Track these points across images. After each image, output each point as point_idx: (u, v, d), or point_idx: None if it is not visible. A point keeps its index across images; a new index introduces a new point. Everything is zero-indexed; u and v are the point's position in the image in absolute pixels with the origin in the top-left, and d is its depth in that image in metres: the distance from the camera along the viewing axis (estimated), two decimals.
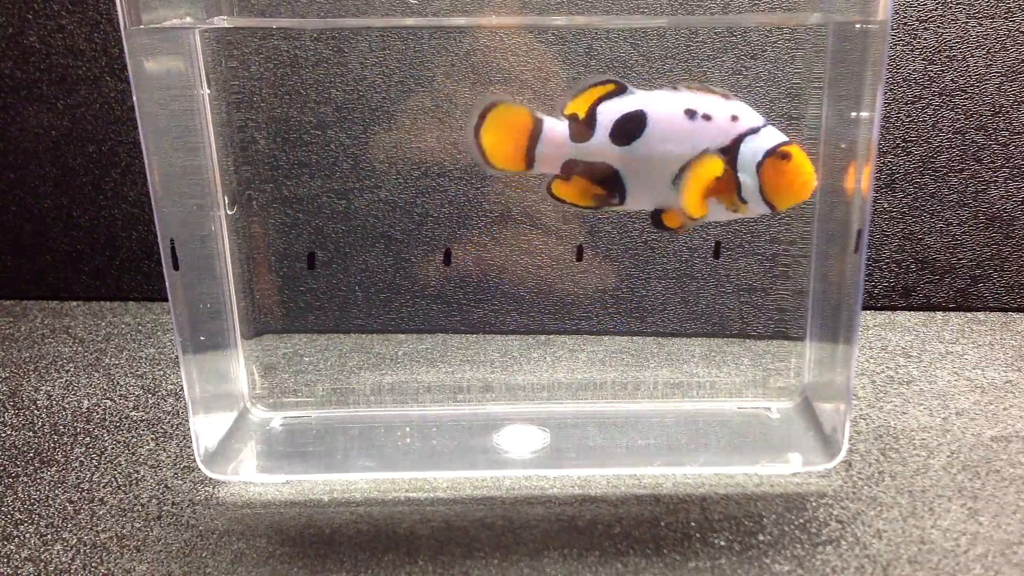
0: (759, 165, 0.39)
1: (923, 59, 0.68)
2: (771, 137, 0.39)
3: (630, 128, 0.40)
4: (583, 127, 0.41)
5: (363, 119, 0.51)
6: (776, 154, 0.39)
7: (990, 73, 0.68)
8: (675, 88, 0.41)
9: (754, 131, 0.39)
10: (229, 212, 0.48)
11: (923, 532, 0.41)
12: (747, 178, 0.39)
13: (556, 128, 0.42)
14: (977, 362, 0.61)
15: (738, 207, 0.40)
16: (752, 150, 0.39)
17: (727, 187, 0.40)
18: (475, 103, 0.43)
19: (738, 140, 0.39)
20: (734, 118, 0.39)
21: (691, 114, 0.40)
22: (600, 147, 0.41)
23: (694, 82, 0.41)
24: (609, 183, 0.41)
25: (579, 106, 0.41)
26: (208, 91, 0.46)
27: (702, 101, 0.40)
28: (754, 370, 0.53)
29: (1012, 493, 0.44)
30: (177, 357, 0.53)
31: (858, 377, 0.58)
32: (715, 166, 0.39)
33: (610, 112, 0.41)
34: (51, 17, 0.71)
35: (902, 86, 0.68)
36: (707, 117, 0.40)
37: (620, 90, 0.41)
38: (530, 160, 0.42)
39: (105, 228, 0.75)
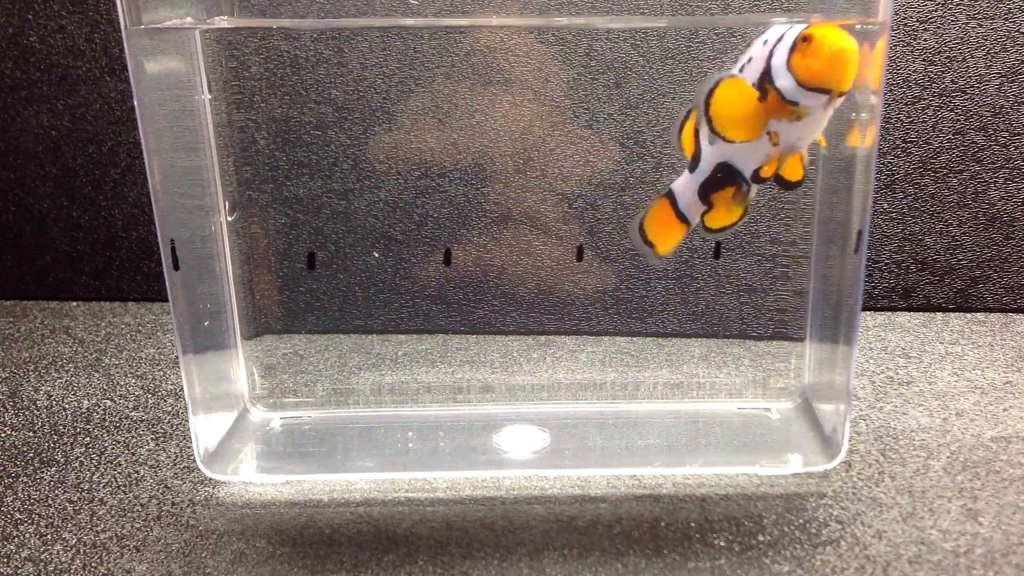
0: (788, 64, 0.37)
1: (923, 60, 0.68)
2: (792, 34, 0.38)
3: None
4: (695, 155, 0.43)
5: (363, 119, 0.51)
6: (798, 43, 0.37)
7: (990, 74, 0.68)
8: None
9: (779, 40, 0.38)
10: (229, 218, 0.49)
11: (923, 533, 0.41)
12: (784, 82, 0.38)
13: (682, 183, 0.44)
14: (977, 363, 0.61)
15: (797, 112, 0.38)
16: (779, 56, 0.38)
17: (776, 103, 0.38)
18: (631, 228, 0.46)
19: (769, 57, 0.38)
20: (765, 43, 0.39)
21: (741, 69, 0.40)
22: (707, 156, 0.42)
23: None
24: (730, 177, 0.42)
25: (688, 141, 0.43)
26: (209, 96, 0.46)
27: (747, 53, 0.40)
28: (754, 371, 0.53)
29: (1012, 493, 0.44)
30: (177, 357, 0.53)
31: (858, 378, 0.58)
32: (731, 85, 0.39)
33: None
34: (51, 17, 0.71)
35: (902, 86, 0.68)
36: (749, 60, 0.40)
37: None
38: (684, 219, 0.45)
39: (105, 228, 0.75)
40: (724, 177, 0.42)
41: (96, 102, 0.73)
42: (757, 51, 0.39)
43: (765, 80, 0.38)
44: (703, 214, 0.44)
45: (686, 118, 0.43)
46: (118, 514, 0.43)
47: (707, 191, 0.43)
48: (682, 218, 0.44)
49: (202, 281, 0.48)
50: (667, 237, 0.46)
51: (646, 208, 0.46)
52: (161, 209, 0.44)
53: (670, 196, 0.44)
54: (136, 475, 0.47)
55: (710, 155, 0.42)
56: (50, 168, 0.74)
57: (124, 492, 0.45)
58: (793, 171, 0.42)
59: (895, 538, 0.41)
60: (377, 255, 0.51)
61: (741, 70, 0.40)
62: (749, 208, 0.43)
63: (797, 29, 0.38)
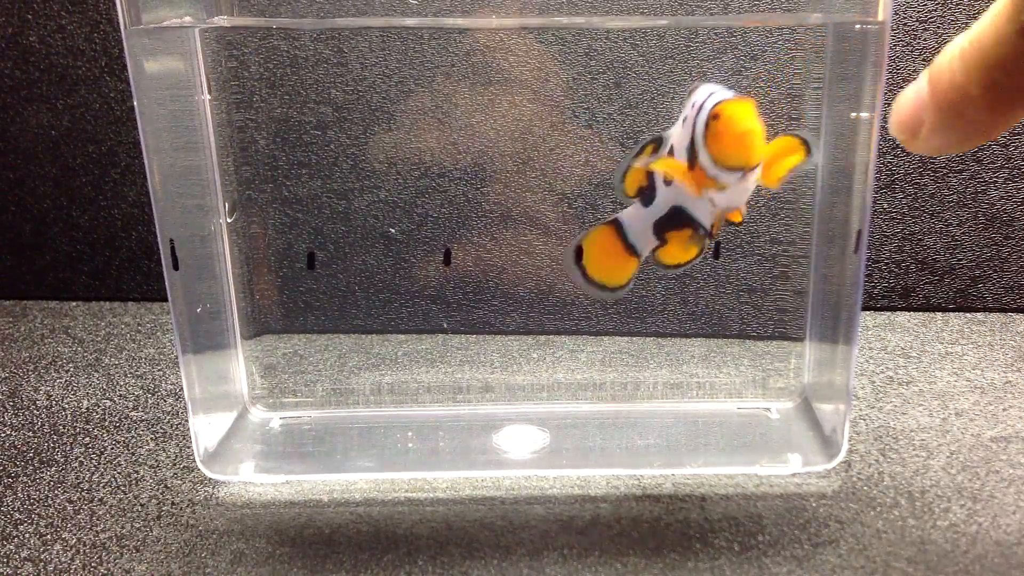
0: (704, 138, 0.37)
1: (923, 59, 0.68)
2: (712, 102, 0.37)
3: None
4: (648, 191, 0.42)
5: (363, 119, 0.51)
6: (709, 120, 0.37)
7: None
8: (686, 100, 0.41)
9: (701, 108, 0.37)
10: (228, 220, 0.49)
11: (923, 532, 0.41)
12: (703, 158, 0.37)
13: (632, 214, 0.43)
14: (977, 363, 0.61)
15: (717, 184, 0.38)
16: (699, 128, 0.37)
17: (701, 175, 0.38)
18: (565, 252, 0.44)
19: (694, 126, 0.38)
20: (694, 106, 0.38)
21: (684, 120, 0.40)
22: (662, 196, 0.41)
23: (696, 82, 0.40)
24: (684, 220, 0.41)
25: (639, 175, 0.42)
26: (209, 96, 0.46)
27: (685, 107, 0.40)
28: (754, 370, 0.53)
29: (1012, 493, 0.44)
30: (177, 357, 0.53)
31: (858, 378, 0.58)
32: (667, 164, 0.39)
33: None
34: (51, 17, 0.71)
35: (902, 86, 0.68)
36: (684, 120, 0.39)
37: (658, 142, 0.41)
38: (633, 251, 0.43)
39: (105, 228, 0.75)
40: (678, 219, 0.41)
41: (96, 102, 0.73)
42: (690, 109, 0.39)
43: (693, 150, 0.38)
44: (655, 248, 0.43)
45: (635, 157, 0.42)
46: (118, 514, 0.43)
47: (662, 228, 0.42)
48: (631, 249, 0.43)
49: (202, 281, 0.48)
50: (615, 269, 0.44)
51: (579, 236, 0.44)
52: (161, 209, 0.44)
53: (616, 224, 0.43)
54: (136, 475, 0.47)
55: (666, 194, 0.41)
56: (50, 168, 0.74)
57: (124, 492, 0.45)
58: (733, 217, 0.41)
59: (894, 538, 0.41)
60: (393, 231, 0.50)
61: (684, 122, 0.39)
62: (704, 249, 0.42)
63: (718, 97, 0.37)
